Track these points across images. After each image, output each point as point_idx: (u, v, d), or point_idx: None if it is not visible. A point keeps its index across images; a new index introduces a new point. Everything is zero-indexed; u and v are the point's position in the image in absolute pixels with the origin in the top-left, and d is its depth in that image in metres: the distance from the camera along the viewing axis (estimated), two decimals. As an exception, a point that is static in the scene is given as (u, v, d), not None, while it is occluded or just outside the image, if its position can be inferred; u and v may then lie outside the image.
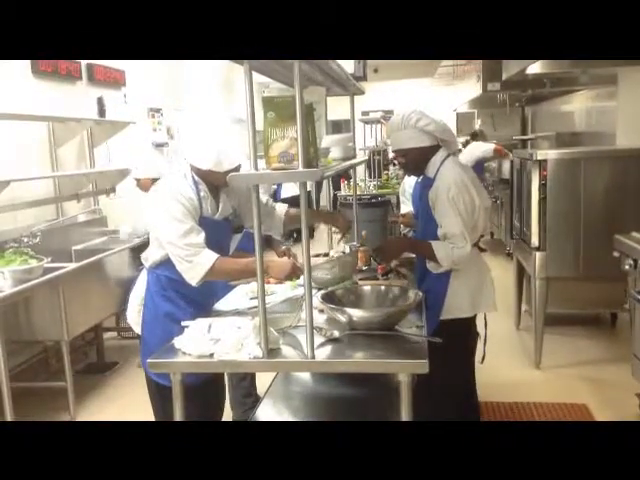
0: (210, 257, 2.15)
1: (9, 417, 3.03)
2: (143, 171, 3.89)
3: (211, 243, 2.20)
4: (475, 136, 7.90)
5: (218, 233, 2.35)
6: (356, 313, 2.06)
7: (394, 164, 7.61)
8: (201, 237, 2.18)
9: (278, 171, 1.88)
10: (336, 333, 2.03)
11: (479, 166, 7.30)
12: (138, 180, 3.92)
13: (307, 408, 2.83)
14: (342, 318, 2.09)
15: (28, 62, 4.12)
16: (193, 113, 7.00)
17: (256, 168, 1.86)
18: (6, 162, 3.77)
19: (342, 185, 7.44)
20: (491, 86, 6.86)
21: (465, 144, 7.92)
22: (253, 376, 3.28)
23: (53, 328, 3.41)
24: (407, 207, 3.73)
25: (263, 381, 3.22)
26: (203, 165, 2.28)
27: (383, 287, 2.34)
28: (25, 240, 3.66)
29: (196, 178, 2.32)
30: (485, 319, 2.69)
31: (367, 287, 2.37)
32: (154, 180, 3.59)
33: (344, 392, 2.83)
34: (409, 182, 3.62)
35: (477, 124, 10.41)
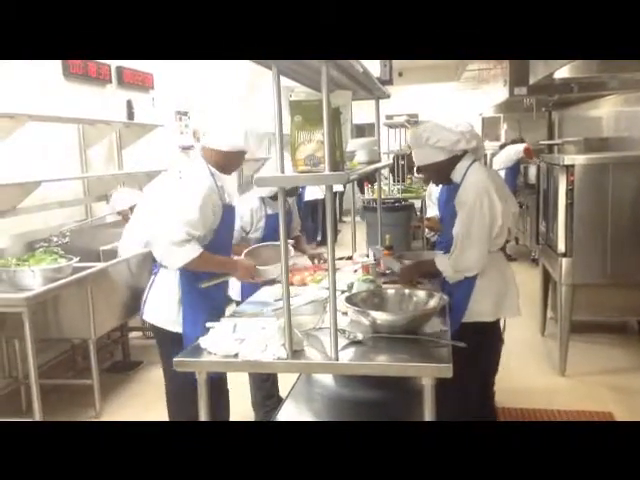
0: (198, 249, 2.35)
1: (37, 413, 3.09)
2: (120, 204, 4.26)
3: (231, 229, 2.29)
4: (517, 142, 7.93)
5: (234, 218, 2.63)
6: (380, 316, 2.06)
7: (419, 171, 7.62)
8: (200, 232, 2.36)
9: (305, 174, 1.90)
10: (360, 336, 2.04)
11: (515, 169, 7.32)
12: (119, 212, 4.29)
13: (329, 410, 2.84)
14: (366, 321, 2.10)
15: (59, 64, 4.21)
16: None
17: (282, 171, 1.88)
18: (37, 163, 3.86)
19: (366, 189, 7.45)
20: (518, 90, 6.79)
21: (502, 147, 7.94)
22: (275, 377, 3.29)
23: (81, 326, 3.47)
24: (433, 211, 3.73)
25: (285, 383, 3.24)
26: (229, 146, 2.37)
27: (407, 290, 2.34)
28: (55, 240, 3.74)
29: (212, 169, 2.42)
30: (504, 323, 2.68)
31: (391, 290, 2.37)
32: (132, 207, 3.97)
33: (366, 395, 2.84)
34: (434, 187, 3.63)
35: (503, 129, 10.33)
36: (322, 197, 8.42)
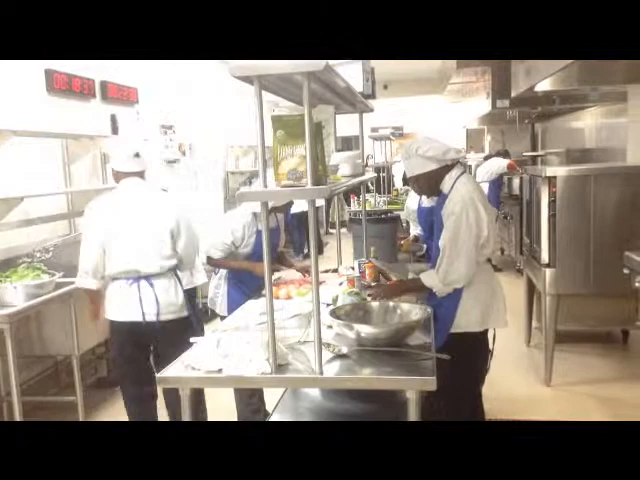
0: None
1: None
2: None
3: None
4: (501, 154, 8.00)
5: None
6: (364, 329, 2.07)
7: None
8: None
9: (287, 188, 1.90)
10: (344, 349, 2.04)
11: (498, 182, 7.41)
12: None
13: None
14: (350, 334, 2.10)
15: (43, 79, 4.20)
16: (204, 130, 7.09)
17: (265, 185, 1.89)
18: (21, 178, 3.83)
19: (352, 201, 7.48)
20: (500, 103, 6.88)
21: (486, 159, 8.02)
22: (261, 392, 3.28)
23: (64, 343, 3.44)
24: (413, 230, 3.76)
25: (271, 398, 3.22)
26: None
27: (391, 303, 2.34)
28: (38, 255, 3.71)
29: None
30: (494, 334, 2.69)
31: (375, 303, 2.38)
32: None
33: (353, 408, 2.83)
34: (412, 205, 3.64)
35: (487, 140, 10.44)
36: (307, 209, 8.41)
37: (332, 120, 2.25)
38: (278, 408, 2.96)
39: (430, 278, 2.49)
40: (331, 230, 10.68)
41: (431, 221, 3.34)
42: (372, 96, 3.06)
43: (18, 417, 3.04)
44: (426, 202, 3.42)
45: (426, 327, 2.21)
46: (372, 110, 3.40)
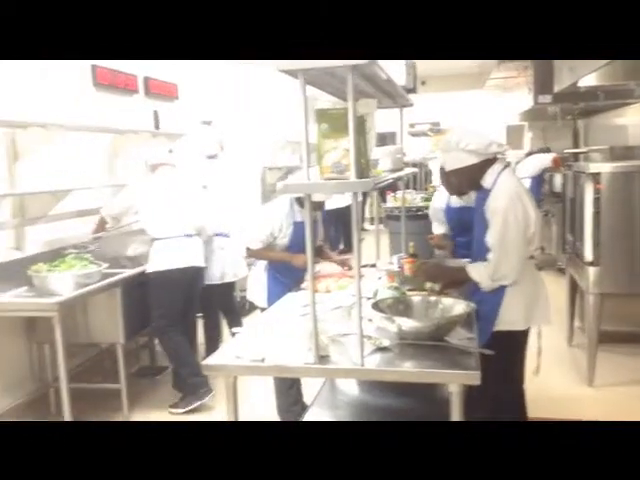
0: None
1: (67, 416, 3.15)
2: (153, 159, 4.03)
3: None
4: (543, 151, 7.87)
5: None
6: (406, 323, 2.07)
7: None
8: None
9: (331, 181, 1.92)
10: (385, 342, 2.04)
11: (540, 178, 7.27)
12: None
13: (354, 417, 2.84)
14: (392, 327, 2.11)
15: (89, 74, 4.31)
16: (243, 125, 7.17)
17: (308, 178, 1.91)
18: (69, 171, 3.95)
19: (388, 197, 7.45)
20: (542, 98, 6.76)
21: (528, 155, 7.90)
22: (300, 384, 3.31)
23: (109, 331, 3.55)
24: (438, 229, 3.71)
25: (309, 390, 3.25)
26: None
27: (433, 298, 2.34)
28: (84, 247, 3.82)
29: None
30: (539, 330, 2.65)
31: (417, 297, 2.37)
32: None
33: (391, 403, 2.84)
34: (438, 204, 3.58)
35: (527, 137, 10.26)
36: (344, 206, 8.43)
37: (374, 114, 2.25)
38: (316, 401, 2.99)
39: (478, 272, 2.44)
40: (366, 227, 10.66)
41: (460, 220, 3.30)
42: (413, 90, 3.05)
43: (66, 403, 3.14)
44: (455, 202, 3.38)
45: (469, 323, 2.19)
46: (412, 105, 3.39)
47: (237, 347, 2.09)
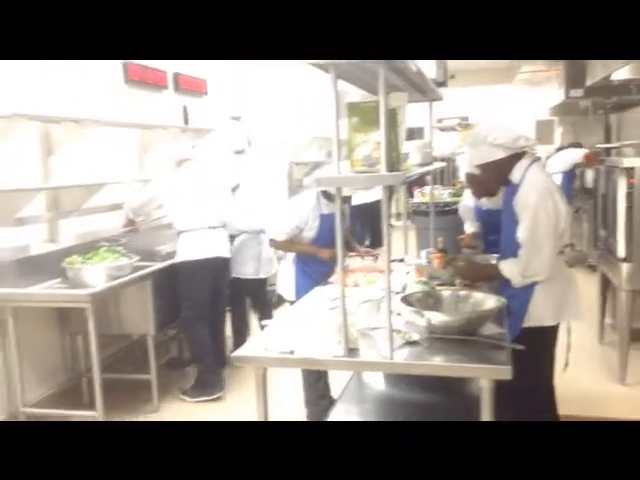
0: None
1: (99, 406, 3.21)
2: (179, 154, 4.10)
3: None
4: (573, 146, 7.75)
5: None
6: (436, 317, 2.06)
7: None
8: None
9: (361, 174, 1.92)
10: (415, 336, 2.04)
11: (571, 173, 7.16)
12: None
13: (382, 412, 2.85)
14: (421, 321, 2.10)
15: (121, 71, 4.37)
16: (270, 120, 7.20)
17: (339, 171, 1.91)
18: (101, 166, 4.02)
19: (415, 193, 7.41)
20: (574, 92, 6.64)
21: (558, 150, 7.77)
22: (327, 378, 3.33)
23: (140, 322, 3.61)
24: (469, 227, 3.68)
25: (335, 384, 3.27)
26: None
27: (463, 292, 2.32)
28: (115, 240, 3.89)
29: None
30: (569, 326, 2.62)
31: (447, 292, 2.36)
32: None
33: (418, 398, 2.83)
34: (469, 202, 3.55)
35: (558, 132, 10.10)
36: (370, 201, 8.42)
37: (405, 108, 2.24)
38: (344, 395, 3.00)
39: (509, 269, 2.41)
40: (393, 223, 10.62)
41: (490, 220, 3.27)
42: (444, 84, 3.03)
43: (98, 393, 3.20)
44: (484, 203, 3.35)
45: (499, 318, 2.18)
46: (442, 98, 3.36)
47: (266, 339, 2.11)
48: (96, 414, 3.22)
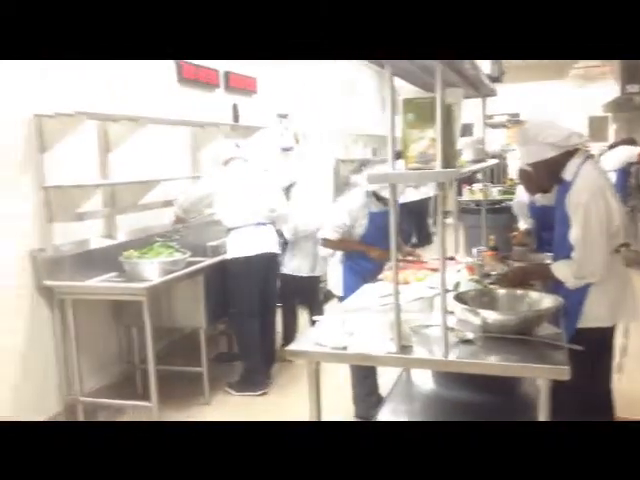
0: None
1: (154, 397, 3.29)
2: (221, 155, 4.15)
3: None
4: (627, 143, 7.49)
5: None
6: (491, 315, 2.04)
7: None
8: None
9: (416, 171, 1.92)
10: (469, 334, 2.02)
11: (626, 171, 6.94)
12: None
13: (430, 411, 2.83)
14: (475, 320, 2.08)
15: (174, 70, 4.47)
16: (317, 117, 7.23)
17: (393, 168, 1.91)
18: (154, 163, 4.13)
19: (464, 190, 7.31)
20: (630, 88, 6.42)
21: (611, 147, 7.54)
22: (375, 375, 3.33)
23: (192, 316, 3.69)
24: (523, 223, 3.61)
25: (382, 382, 3.27)
26: None
27: (519, 291, 2.29)
28: (168, 235, 3.98)
29: None
30: (627, 328, 2.54)
31: (502, 290, 2.33)
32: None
33: (468, 398, 2.80)
34: (523, 197, 3.47)
35: (612, 128, 9.79)
36: (417, 199, 8.37)
37: (460, 104, 2.22)
38: (392, 393, 2.99)
39: (562, 270, 2.37)
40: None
41: (544, 217, 3.19)
42: (498, 79, 2.98)
43: (153, 385, 3.29)
44: (537, 200, 3.27)
45: (556, 317, 2.13)
46: (495, 94, 3.31)
47: (318, 335, 2.12)
48: (150, 404, 3.31)
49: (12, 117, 3.11)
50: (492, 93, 3.22)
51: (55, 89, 3.34)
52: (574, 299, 2.38)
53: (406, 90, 2.75)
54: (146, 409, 3.35)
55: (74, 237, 3.50)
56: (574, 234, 2.32)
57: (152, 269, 3.36)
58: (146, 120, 3.76)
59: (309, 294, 4.55)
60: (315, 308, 4.51)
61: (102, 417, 3.56)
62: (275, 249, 4.03)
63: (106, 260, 3.57)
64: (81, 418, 3.41)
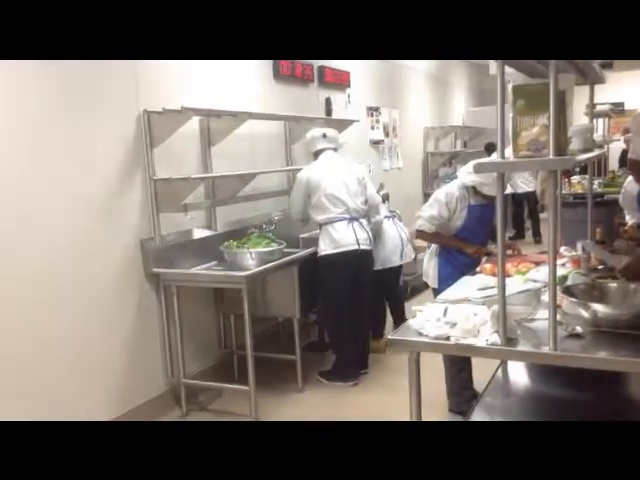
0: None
1: (251, 381, 3.41)
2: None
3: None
4: None
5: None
6: (602, 309, 1.95)
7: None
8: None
9: (527, 159, 1.87)
10: (579, 328, 1.95)
11: None
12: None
13: (527, 408, 2.76)
14: (585, 314, 2.00)
15: (270, 67, 4.59)
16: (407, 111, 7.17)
17: (503, 156, 1.87)
18: (252, 157, 4.26)
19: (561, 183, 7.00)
20: None
21: None
22: (470, 369, 3.28)
23: (286, 306, 3.79)
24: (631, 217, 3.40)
25: (476, 376, 3.22)
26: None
27: (633, 285, 2.18)
28: (263, 227, 4.10)
29: None
30: None
31: (613, 284, 2.23)
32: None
33: (566, 395, 2.70)
34: (632, 190, 3.28)
35: None
36: (513, 192, 8.13)
37: (572, 90, 2.14)
38: (489, 389, 2.93)
39: None
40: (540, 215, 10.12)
41: None
42: (610, 65, 2.83)
43: (251, 370, 3.40)
44: None
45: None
46: (604, 81, 3.16)
47: (420, 324, 2.12)
48: (247, 388, 3.43)
49: (125, 114, 3.31)
50: (601, 80, 3.07)
51: (162, 87, 3.53)
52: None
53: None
54: (243, 392, 3.48)
55: (178, 228, 3.68)
56: None
57: (250, 259, 3.47)
58: (245, 115, 3.88)
59: (389, 283, 4.55)
60: (394, 298, 4.51)
61: (202, 399, 3.74)
62: (365, 245, 3.92)
63: (207, 250, 3.74)
64: (183, 399, 3.59)
